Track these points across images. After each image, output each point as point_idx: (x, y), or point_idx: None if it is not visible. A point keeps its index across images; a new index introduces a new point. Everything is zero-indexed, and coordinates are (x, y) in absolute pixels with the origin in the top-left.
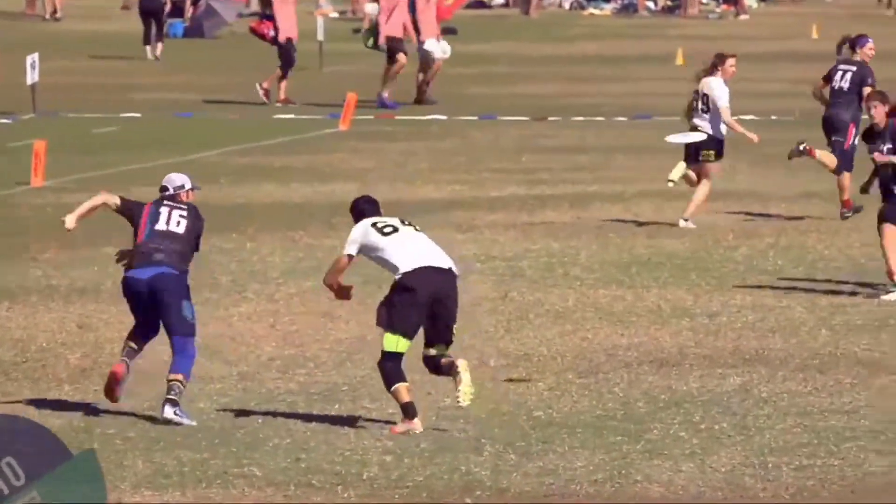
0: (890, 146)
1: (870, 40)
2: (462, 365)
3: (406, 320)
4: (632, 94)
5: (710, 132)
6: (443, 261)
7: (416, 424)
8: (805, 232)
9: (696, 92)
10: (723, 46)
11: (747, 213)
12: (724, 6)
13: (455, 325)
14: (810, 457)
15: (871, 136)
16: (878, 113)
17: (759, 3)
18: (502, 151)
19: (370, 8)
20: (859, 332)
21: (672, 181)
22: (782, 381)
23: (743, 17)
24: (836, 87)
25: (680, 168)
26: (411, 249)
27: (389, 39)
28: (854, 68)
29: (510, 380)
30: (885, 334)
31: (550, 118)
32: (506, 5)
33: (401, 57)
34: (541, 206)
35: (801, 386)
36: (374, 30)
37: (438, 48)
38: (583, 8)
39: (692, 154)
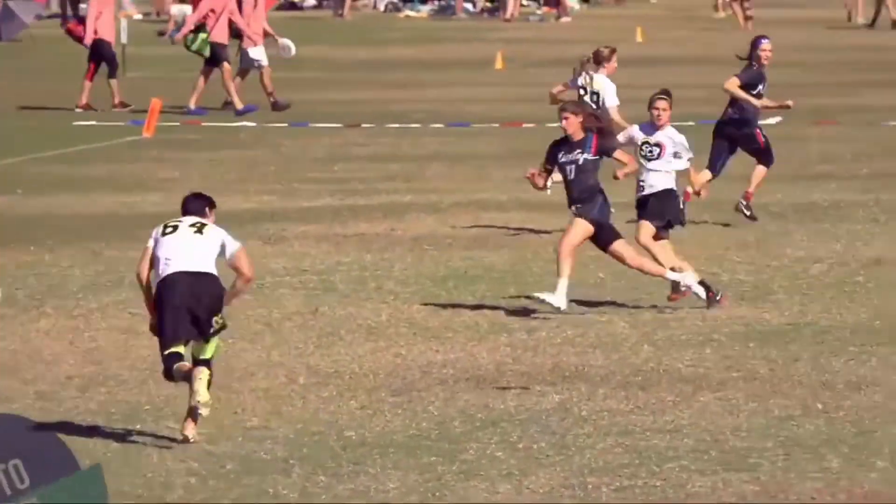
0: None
1: (763, 41)
2: (200, 374)
3: (169, 326)
4: (449, 99)
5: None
6: (199, 264)
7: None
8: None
9: (584, 89)
10: (544, 50)
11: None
12: (545, 8)
13: (216, 319)
14: (631, 477)
15: (558, 146)
16: (571, 124)
17: (581, 4)
18: (314, 160)
19: (176, 10)
20: (683, 347)
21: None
22: (603, 399)
23: (565, 19)
24: None
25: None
26: (171, 253)
27: (215, 45)
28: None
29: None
30: (708, 350)
31: (364, 125)
32: (318, 7)
33: (226, 65)
34: (354, 217)
35: (623, 404)
36: (201, 30)
37: (265, 55)
38: (398, 10)
39: None
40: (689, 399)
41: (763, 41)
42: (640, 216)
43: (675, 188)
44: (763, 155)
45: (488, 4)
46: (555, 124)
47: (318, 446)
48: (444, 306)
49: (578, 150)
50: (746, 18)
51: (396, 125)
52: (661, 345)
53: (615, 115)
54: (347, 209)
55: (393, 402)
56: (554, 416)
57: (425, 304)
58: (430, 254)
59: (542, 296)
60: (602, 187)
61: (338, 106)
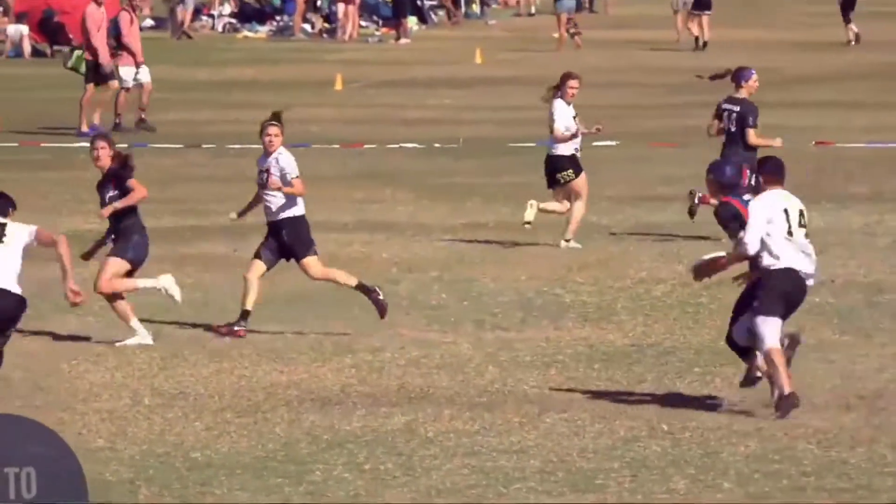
0: (113, 193)
1: (753, 73)
2: None
3: None
4: (288, 120)
5: (561, 152)
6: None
7: None
8: (471, 265)
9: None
10: (384, 71)
11: (411, 245)
12: (384, 30)
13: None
14: (478, 498)
15: (103, 183)
16: (103, 155)
17: (419, 26)
18: (154, 181)
19: (12, 29)
20: (527, 368)
21: (528, 223)
22: (449, 420)
23: (404, 41)
24: (726, 129)
25: (532, 208)
26: None
27: (88, 63)
28: (737, 108)
29: None
30: (553, 371)
31: (204, 146)
32: (156, 27)
33: (112, 83)
34: (195, 237)
35: (469, 425)
36: (78, 49)
37: (132, 76)
38: (237, 30)
39: (551, 181)
40: (535, 420)
41: (752, 74)
42: (264, 245)
43: (302, 213)
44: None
45: (326, 25)
46: (395, 145)
47: (164, 467)
48: (290, 327)
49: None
50: (574, 35)
51: (237, 146)
52: (505, 366)
53: (558, 135)
54: (188, 230)
55: (238, 424)
56: (400, 438)
57: (270, 326)
58: (275, 275)
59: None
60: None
61: (178, 126)
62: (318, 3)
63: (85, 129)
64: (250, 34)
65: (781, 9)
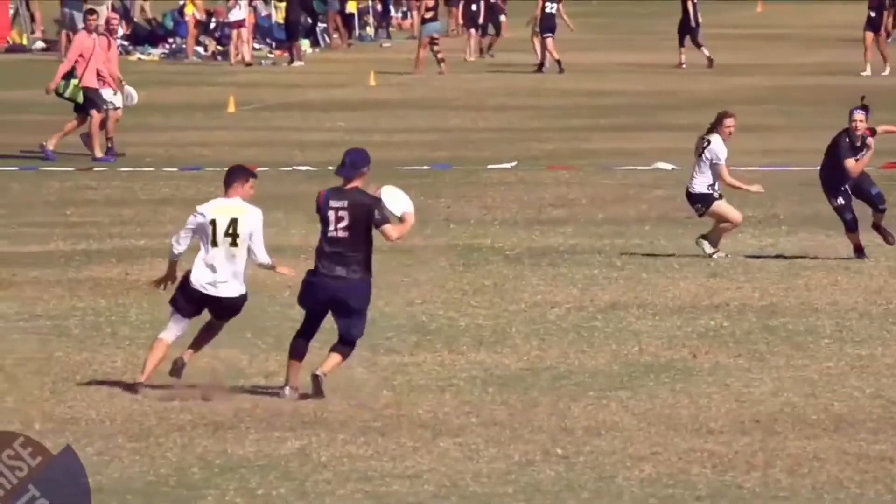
0: None
1: (729, 119)
2: None
3: None
4: (181, 143)
5: (697, 189)
6: None
7: None
8: None
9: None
10: (277, 94)
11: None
12: (277, 52)
13: None
14: None
15: None
16: None
17: (312, 49)
18: (45, 204)
19: None
20: (421, 392)
21: (713, 254)
22: (342, 445)
23: (298, 63)
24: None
25: (704, 245)
26: None
27: (88, 91)
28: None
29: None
30: (447, 395)
31: (96, 169)
32: (46, 50)
33: (94, 113)
34: (87, 261)
35: (362, 450)
36: (71, 76)
37: (119, 98)
38: (129, 53)
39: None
40: (429, 444)
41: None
42: None
43: None
44: None
45: (219, 48)
46: (288, 168)
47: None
48: (180, 352)
49: None
50: (441, 61)
51: (129, 169)
52: (399, 390)
53: (724, 173)
54: (80, 253)
55: (130, 449)
56: (293, 462)
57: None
58: (166, 299)
59: None
60: None
61: (68, 149)
62: (212, 25)
63: (99, 154)
64: (143, 56)
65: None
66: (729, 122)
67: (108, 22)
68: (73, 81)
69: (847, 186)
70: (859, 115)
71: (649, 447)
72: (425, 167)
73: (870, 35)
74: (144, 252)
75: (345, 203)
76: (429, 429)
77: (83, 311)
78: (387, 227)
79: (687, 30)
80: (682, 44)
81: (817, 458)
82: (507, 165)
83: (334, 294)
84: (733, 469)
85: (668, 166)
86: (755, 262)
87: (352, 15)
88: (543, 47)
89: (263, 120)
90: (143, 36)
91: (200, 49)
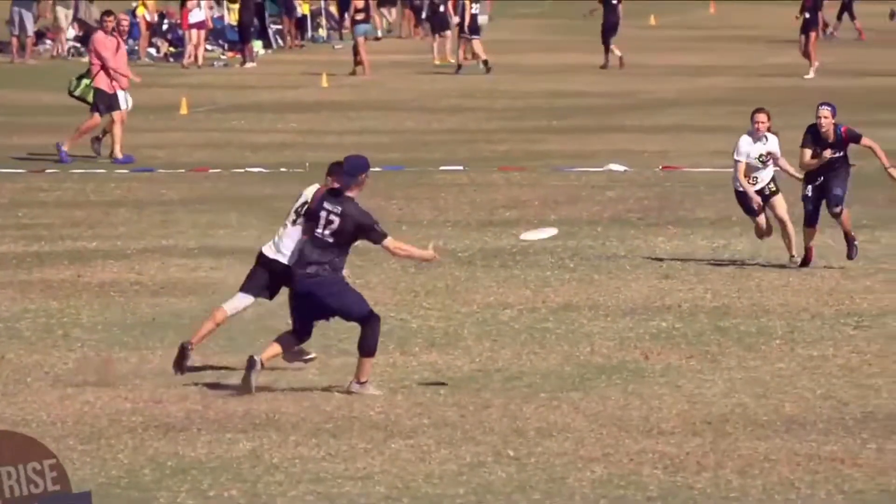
0: None
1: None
2: None
3: None
4: (134, 145)
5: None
6: None
7: None
8: None
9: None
10: (230, 95)
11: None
12: (229, 54)
13: None
14: None
15: None
16: None
17: (264, 50)
18: None
19: None
20: (374, 396)
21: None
22: (294, 447)
23: (250, 65)
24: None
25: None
26: None
27: (98, 91)
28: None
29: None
30: (399, 396)
31: (48, 171)
32: None
33: (96, 115)
34: (39, 263)
35: (314, 451)
36: (84, 76)
37: (130, 100)
38: (81, 55)
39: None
40: (381, 446)
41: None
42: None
43: None
44: None
45: (172, 49)
46: (241, 170)
47: None
48: (133, 353)
49: None
50: (358, 63)
51: (81, 171)
52: (353, 387)
53: (783, 164)
54: (32, 255)
55: (81, 451)
56: (245, 464)
57: (113, 352)
58: (117, 301)
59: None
60: None
61: (21, 151)
62: (164, 27)
63: (120, 156)
64: None
65: (635, 32)
66: (757, 117)
67: (119, 23)
68: (85, 81)
69: (823, 178)
70: (824, 111)
71: (601, 448)
72: (377, 169)
73: (805, 36)
74: (96, 254)
75: (339, 209)
76: (381, 430)
77: (35, 312)
78: (388, 242)
79: (613, 29)
80: (607, 45)
81: (768, 459)
82: (459, 167)
83: (308, 293)
84: (684, 470)
85: (621, 168)
86: (707, 264)
87: (304, 17)
88: (463, 49)
89: (216, 122)
90: None
91: (153, 51)
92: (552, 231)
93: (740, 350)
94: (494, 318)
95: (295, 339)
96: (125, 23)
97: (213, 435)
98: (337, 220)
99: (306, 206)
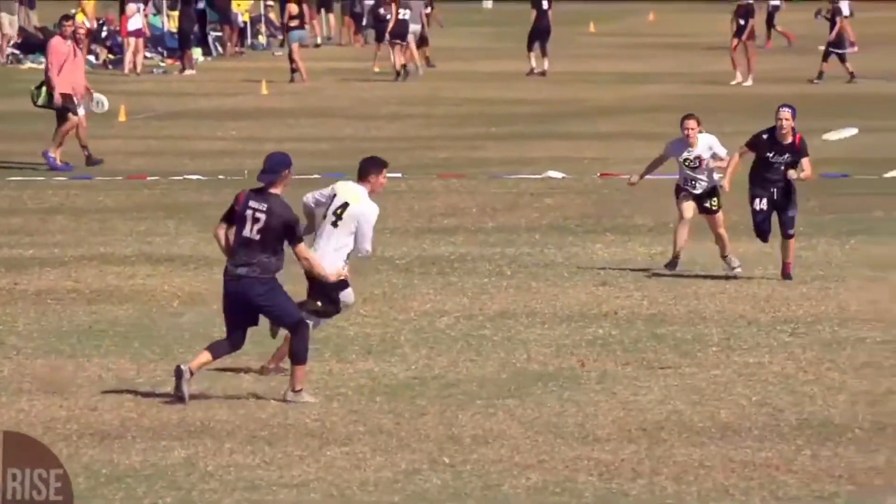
0: None
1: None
2: None
3: None
4: (72, 153)
5: (711, 182)
6: None
7: None
8: None
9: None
10: (168, 103)
11: (195, 279)
12: (168, 61)
13: None
14: None
15: None
16: None
17: (204, 57)
18: None
19: None
20: (310, 404)
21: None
22: (229, 454)
23: (189, 72)
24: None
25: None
26: None
27: (63, 97)
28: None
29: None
30: (335, 404)
31: None
32: None
33: (72, 116)
34: None
35: (249, 458)
36: (44, 86)
37: (82, 108)
38: (20, 62)
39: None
40: (316, 453)
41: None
42: None
43: None
44: None
45: (111, 56)
46: (179, 177)
47: None
48: (69, 361)
49: None
50: (294, 70)
51: (18, 178)
52: (289, 396)
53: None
54: None
55: None
56: (180, 472)
57: (49, 359)
58: (54, 308)
59: None
60: None
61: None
62: (103, 33)
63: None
64: (34, 65)
65: (575, 40)
66: (687, 123)
67: (76, 31)
68: (44, 89)
69: (775, 192)
70: (784, 112)
71: (536, 455)
72: (317, 176)
73: (737, 42)
74: (33, 262)
75: (264, 206)
76: (316, 438)
77: None
78: (300, 248)
79: (537, 35)
80: (530, 49)
81: (703, 466)
82: (397, 175)
83: (236, 295)
84: (619, 477)
85: (560, 175)
86: (644, 271)
87: (244, 24)
88: (395, 54)
89: (154, 129)
90: (35, 44)
91: (92, 57)
92: (853, 130)
93: (676, 357)
94: (431, 326)
95: (228, 347)
96: (81, 31)
97: (148, 443)
98: (263, 218)
99: (232, 209)
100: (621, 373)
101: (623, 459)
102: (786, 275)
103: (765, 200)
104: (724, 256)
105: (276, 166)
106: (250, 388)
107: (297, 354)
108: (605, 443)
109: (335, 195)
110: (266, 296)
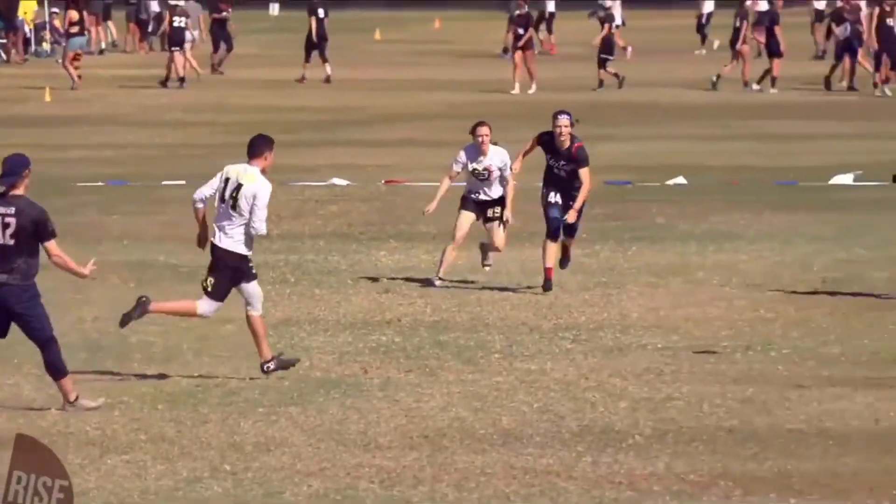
0: None
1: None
2: None
3: None
4: None
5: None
6: None
7: None
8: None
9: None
10: None
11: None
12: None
13: None
14: None
15: None
16: None
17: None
18: None
19: None
20: (91, 411)
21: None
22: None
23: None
24: None
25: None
26: None
27: None
28: None
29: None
30: (116, 412)
31: None
32: None
33: None
34: None
35: None
36: None
37: None
38: None
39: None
40: (97, 462)
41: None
42: None
43: None
44: None
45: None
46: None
47: None
48: None
49: None
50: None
51: None
52: (68, 407)
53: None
54: None
55: None
56: None
57: None
58: None
59: None
60: None
61: None
62: None
63: None
64: None
65: (360, 47)
66: (479, 130)
67: None
68: None
69: (562, 195)
70: (562, 119)
71: (318, 462)
72: (100, 183)
73: (518, 54)
74: None
75: (12, 210)
76: (97, 446)
77: None
78: (52, 244)
79: (313, 45)
80: (308, 59)
81: (484, 473)
82: (179, 182)
83: None
84: (401, 483)
85: (344, 182)
86: (428, 278)
87: (30, 30)
88: (171, 60)
89: None
90: None
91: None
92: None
93: (459, 364)
94: (215, 333)
95: None
96: None
97: None
98: (13, 221)
99: None
100: (404, 380)
101: (405, 466)
102: (548, 280)
103: (558, 195)
104: (485, 253)
105: (15, 167)
106: (32, 397)
107: (56, 369)
108: (387, 450)
109: (228, 178)
110: (28, 304)
